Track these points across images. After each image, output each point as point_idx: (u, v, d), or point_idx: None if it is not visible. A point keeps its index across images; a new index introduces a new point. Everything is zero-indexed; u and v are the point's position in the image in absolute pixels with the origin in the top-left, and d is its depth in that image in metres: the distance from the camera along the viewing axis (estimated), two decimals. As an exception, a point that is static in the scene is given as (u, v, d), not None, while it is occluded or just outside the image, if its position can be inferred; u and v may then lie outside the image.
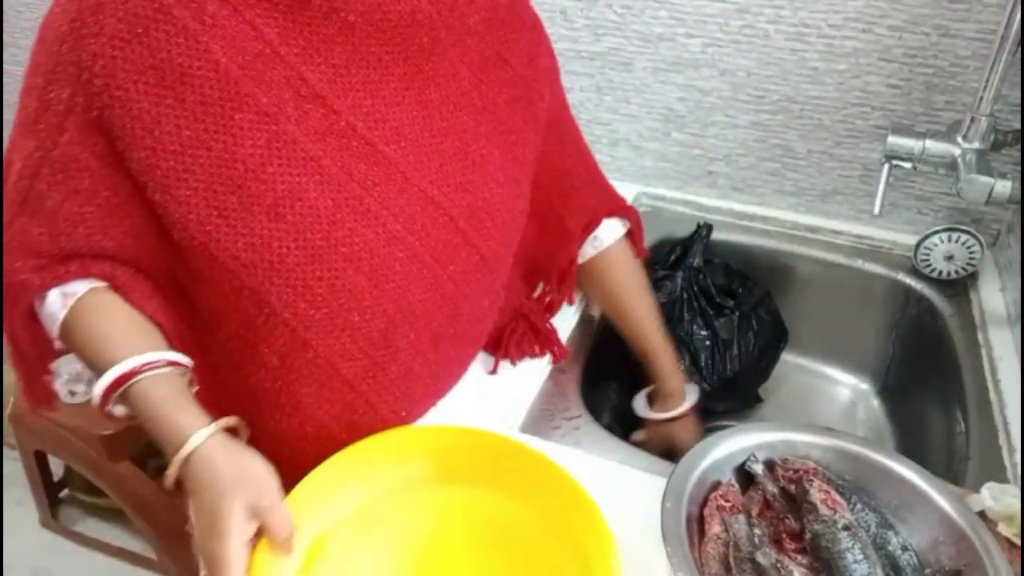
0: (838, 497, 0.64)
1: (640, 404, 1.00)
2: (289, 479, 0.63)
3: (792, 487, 0.67)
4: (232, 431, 0.63)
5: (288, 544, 0.59)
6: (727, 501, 0.66)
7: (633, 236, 0.96)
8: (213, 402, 0.67)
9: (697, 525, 0.65)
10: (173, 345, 0.66)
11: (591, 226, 0.92)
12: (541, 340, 0.92)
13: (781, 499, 0.67)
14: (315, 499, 0.66)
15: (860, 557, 0.60)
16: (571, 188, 0.88)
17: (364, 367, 0.70)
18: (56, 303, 0.64)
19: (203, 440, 0.59)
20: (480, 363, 0.89)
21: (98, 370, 0.62)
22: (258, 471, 0.60)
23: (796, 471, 0.67)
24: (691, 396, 0.98)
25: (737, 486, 0.68)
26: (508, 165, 0.74)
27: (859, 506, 0.65)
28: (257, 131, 0.59)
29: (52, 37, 0.59)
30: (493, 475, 0.70)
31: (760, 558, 0.61)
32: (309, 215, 0.61)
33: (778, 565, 0.61)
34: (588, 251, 0.93)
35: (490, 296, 0.78)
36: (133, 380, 0.61)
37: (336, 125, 0.62)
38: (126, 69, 0.56)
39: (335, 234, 0.62)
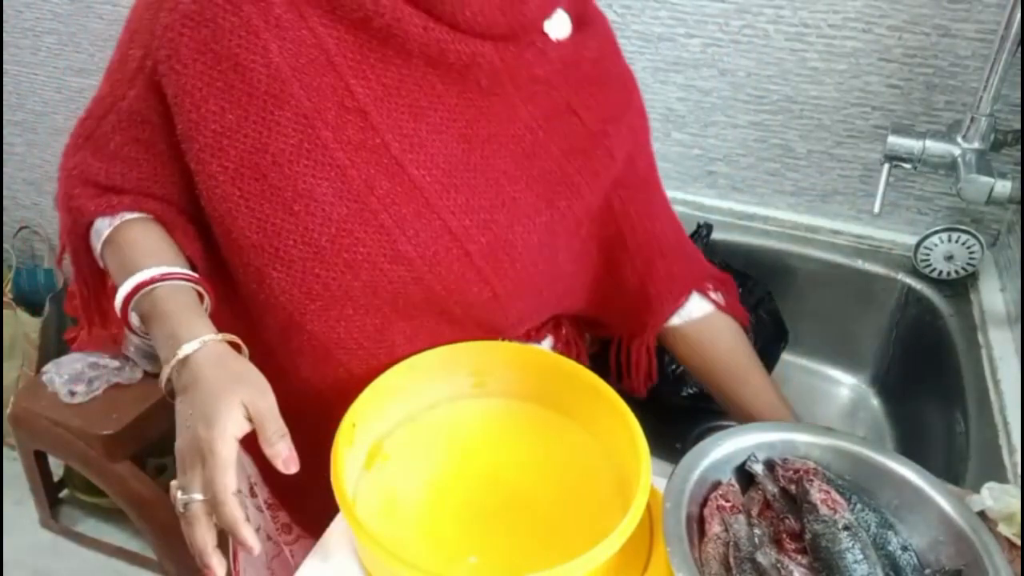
0: (838, 497, 0.64)
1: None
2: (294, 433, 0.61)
3: (792, 487, 0.66)
4: (236, 347, 0.63)
5: (284, 451, 0.57)
6: (727, 501, 0.66)
7: (729, 307, 0.89)
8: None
9: (697, 525, 0.65)
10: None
11: (679, 298, 0.86)
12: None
13: (781, 499, 0.67)
14: (371, 409, 0.70)
15: (860, 557, 0.60)
16: (657, 254, 0.83)
17: (361, 358, 0.72)
18: (104, 223, 0.69)
19: (207, 342, 0.59)
20: None
21: (123, 279, 0.65)
22: (258, 377, 0.60)
23: (796, 471, 0.67)
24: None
25: (737, 486, 0.68)
26: (543, 210, 0.72)
27: (859, 506, 0.65)
28: (292, 129, 0.62)
29: (143, 2, 0.65)
30: (531, 386, 0.76)
31: (760, 558, 0.61)
32: (321, 216, 0.63)
33: (778, 565, 0.61)
34: (673, 320, 0.87)
35: (499, 326, 0.77)
36: (154, 286, 0.63)
37: (371, 141, 0.64)
38: (188, 47, 0.61)
39: (341, 240, 0.64)
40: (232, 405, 0.55)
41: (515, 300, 0.75)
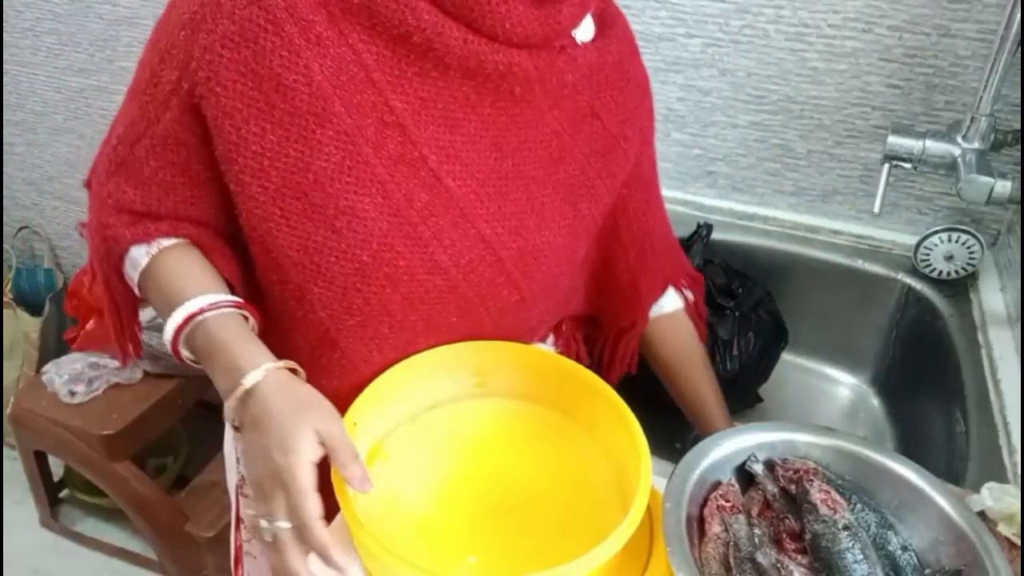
0: (838, 497, 0.64)
1: None
2: None
3: (792, 487, 0.67)
4: (292, 371, 0.64)
5: (358, 473, 0.58)
6: (727, 501, 0.66)
7: (696, 308, 0.94)
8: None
9: (697, 525, 0.65)
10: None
11: (660, 291, 0.90)
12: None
13: (781, 499, 0.67)
14: (372, 409, 0.70)
15: (860, 557, 0.60)
16: (650, 250, 0.86)
17: (383, 369, 0.72)
18: (140, 251, 0.69)
19: (270, 370, 0.60)
20: None
21: (169, 312, 0.65)
22: (325, 401, 0.61)
23: (796, 471, 0.67)
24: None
25: (737, 486, 0.68)
26: (567, 213, 0.74)
27: (859, 506, 0.65)
28: (334, 148, 0.62)
29: (175, 21, 0.63)
30: (531, 386, 0.76)
31: (760, 558, 0.61)
32: (363, 232, 0.64)
33: (778, 565, 0.61)
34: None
35: (522, 328, 0.78)
36: (202, 317, 0.63)
37: (409, 154, 0.64)
38: (229, 68, 0.60)
39: (383, 255, 0.65)
40: (305, 432, 0.56)
41: (539, 301, 0.76)
